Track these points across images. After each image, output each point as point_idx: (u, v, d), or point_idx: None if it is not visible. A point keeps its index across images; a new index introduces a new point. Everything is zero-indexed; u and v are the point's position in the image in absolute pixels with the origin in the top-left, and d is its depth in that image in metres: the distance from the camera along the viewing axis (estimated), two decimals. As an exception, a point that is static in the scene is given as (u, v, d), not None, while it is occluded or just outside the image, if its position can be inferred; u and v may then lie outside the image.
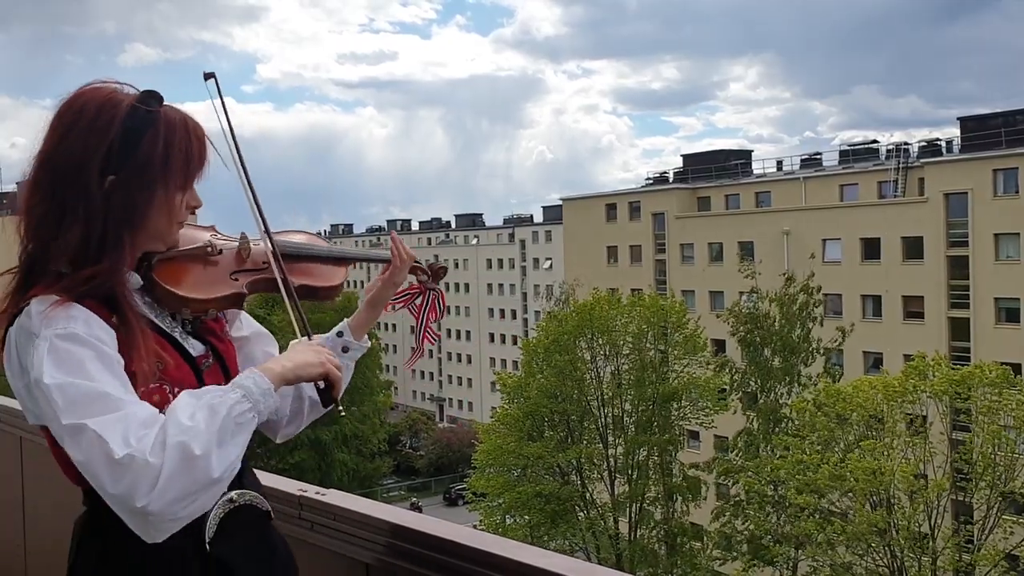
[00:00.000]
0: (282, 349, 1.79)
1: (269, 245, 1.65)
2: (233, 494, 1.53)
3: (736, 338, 27.78)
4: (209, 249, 1.62)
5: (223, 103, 1.61)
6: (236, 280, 1.64)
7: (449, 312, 65.52)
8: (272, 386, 1.45)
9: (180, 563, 1.47)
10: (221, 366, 1.62)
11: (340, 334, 1.88)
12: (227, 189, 1.65)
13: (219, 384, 1.55)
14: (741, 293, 29.03)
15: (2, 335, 1.47)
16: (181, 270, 1.58)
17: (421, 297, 2.03)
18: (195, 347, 1.59)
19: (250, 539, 1.57)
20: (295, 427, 1.86)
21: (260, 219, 1.66)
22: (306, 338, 1.64)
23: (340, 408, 1.63)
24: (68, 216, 1.44)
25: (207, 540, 1.48)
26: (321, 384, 1.58)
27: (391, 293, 1.94)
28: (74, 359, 1.37)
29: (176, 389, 1.48)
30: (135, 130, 1.46)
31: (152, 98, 1.50)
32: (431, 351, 72.60)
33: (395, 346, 71.64)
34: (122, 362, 1.42)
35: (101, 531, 1.47)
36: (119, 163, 1.45)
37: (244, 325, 1.81)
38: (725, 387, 27.91)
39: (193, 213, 1.61)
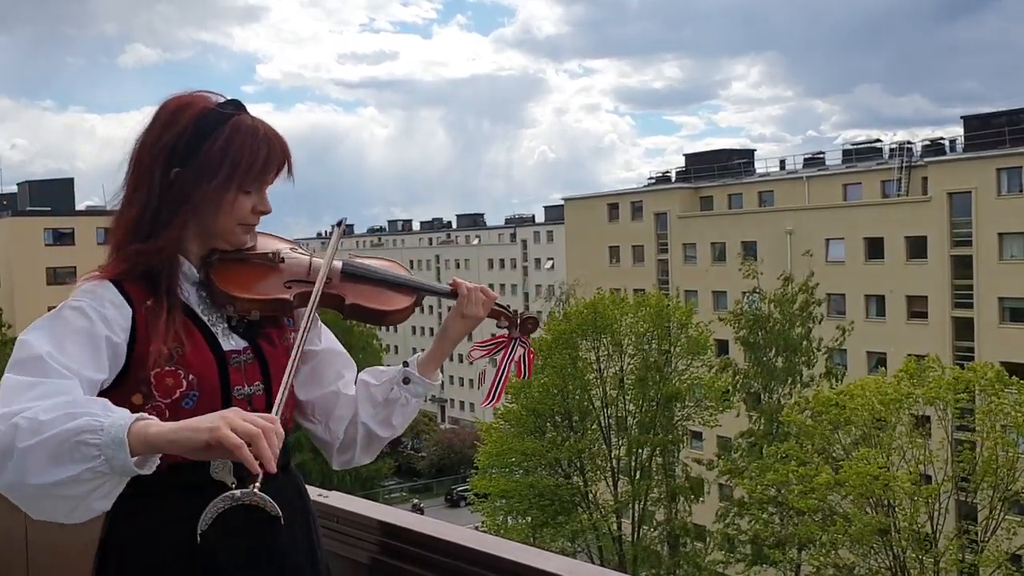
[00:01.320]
0: (362, 365, 1.83)
1: (325, 264, 1.68)
2: (237, 492, 1.47)
3: (739, 340, 27.76)
4: (271, 256, 1.69)
5: (336, 246, 1.74)
6: (288, 288, 1.68)
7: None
8: (125, 440, 1.27)
9: (167, 547, 1.52)
10: (261, 367, 1.64)
11: (406, 364, 1.85)
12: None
13: (250, 383, 1.62)
14: (744, 293, 29.02)
15: None
16: (237, 271, 1.65)
17: (506, 348, 1.93)
18: (234, 343, 1.62)
19: (250, 541, 1.53)
20: (351, 456, 1.84)
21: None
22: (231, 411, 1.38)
23: (255, 487, 1.30)
24: (134, 198, 1.58)
25: (200, 531, 1.45)
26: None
27: (461, 328, 1.85)
28: (62, 326, 1.46)
29: (191, 376, 1.54)
30: (203, 129, 1.56)
31: (230, 103, 1.61)
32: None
33: (396, 347, 71.73)
34: (120, 343, 1.49)
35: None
36: (184, 158, 1.56)
37: (321, 340, 1.81)
38: (729, 387, 27.88)
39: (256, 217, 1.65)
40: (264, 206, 1.64)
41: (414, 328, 71.20)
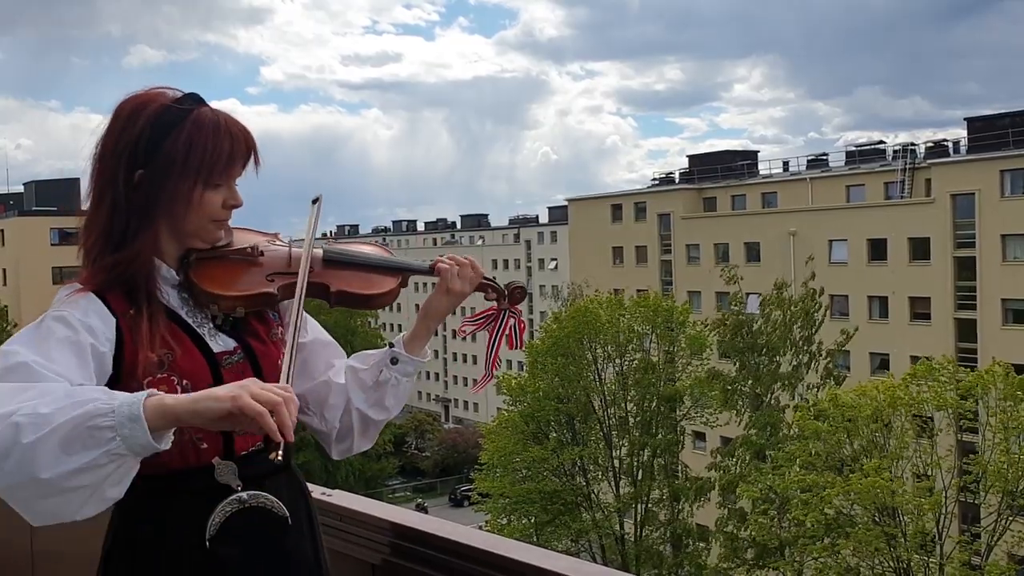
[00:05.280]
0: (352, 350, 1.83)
1: (305, 251, 1.64)
2: (245, 494, 1.50)
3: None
4: (250, 250, 1.66)
5: (315, 224, 1.70)
6: (271, 281, 1.65)
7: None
8: (141, 414, 1.25)
9: (173, 554, 1.47)
10: (253, 365, 1.59)
11: (391, 345, 1.82)
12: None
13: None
14: (748, 294, 28.91)
15: None
16: (217, 268, 1.62)
17: (496, 320, 1.87)
18: (223, 343, 1.58)
19: (259, 543, 1.54)
20: (350, 443, 1.79)
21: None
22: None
23: (277, 454, 1.28)
24: (101, 207, 1.55)
25: (207, 537, 1.46)
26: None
27: (445, 304, 1.80)
28: (45, 336, 1.42)
29: (185, 381, 1.49)
30: (162, 127, 1.53)
31: (188, 98, 1.57)
32: (435, 351, 72.58)
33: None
34: (106, 352, 1.45)
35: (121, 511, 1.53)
36: (146, 158, 1.52)
37: (308, 332, 1.77)
38: (728, 389, 27.70)
39: (228, 211, 1.62)
40: (235, 199, 1.60)
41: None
